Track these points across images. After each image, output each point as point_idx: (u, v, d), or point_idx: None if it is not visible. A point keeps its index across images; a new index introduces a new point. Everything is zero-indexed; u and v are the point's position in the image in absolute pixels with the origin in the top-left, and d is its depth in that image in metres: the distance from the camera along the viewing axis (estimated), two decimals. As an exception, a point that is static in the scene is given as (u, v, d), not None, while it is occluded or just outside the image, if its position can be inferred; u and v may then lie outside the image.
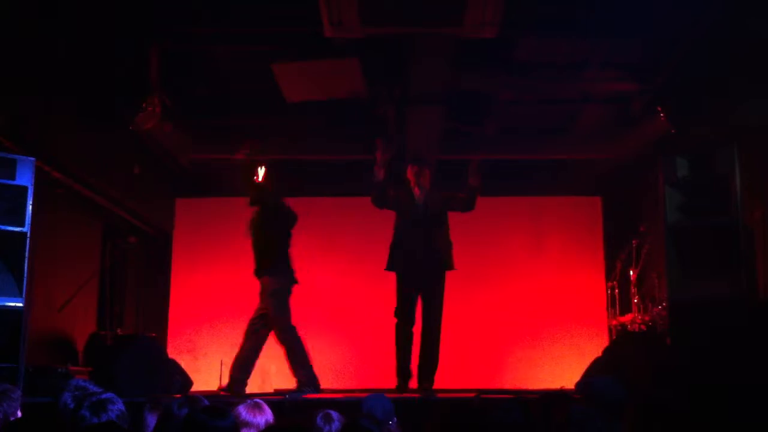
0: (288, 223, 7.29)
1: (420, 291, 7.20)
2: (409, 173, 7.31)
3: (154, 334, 8.90)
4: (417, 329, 7.32)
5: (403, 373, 7.20)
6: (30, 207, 6.03)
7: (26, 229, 6.02)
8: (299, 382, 7.00)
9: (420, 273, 7.13)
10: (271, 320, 7.10)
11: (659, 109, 8.07)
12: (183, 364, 8.07)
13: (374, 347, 9.32)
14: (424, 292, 7.20)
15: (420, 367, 7.23)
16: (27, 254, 6.01)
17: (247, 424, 3.56)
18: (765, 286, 6.63)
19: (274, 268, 7.17)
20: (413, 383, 7.23)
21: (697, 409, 5.21)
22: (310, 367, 7.02)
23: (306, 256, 9.57)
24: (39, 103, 6.92)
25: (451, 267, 7.26)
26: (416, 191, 7.23)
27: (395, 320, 7.25)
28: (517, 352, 9.81)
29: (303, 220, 9.75)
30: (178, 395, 5.30)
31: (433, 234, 7.19)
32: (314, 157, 9.64)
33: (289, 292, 7.14)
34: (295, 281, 7.16)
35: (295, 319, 9.64)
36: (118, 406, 3.33)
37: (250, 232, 7.34)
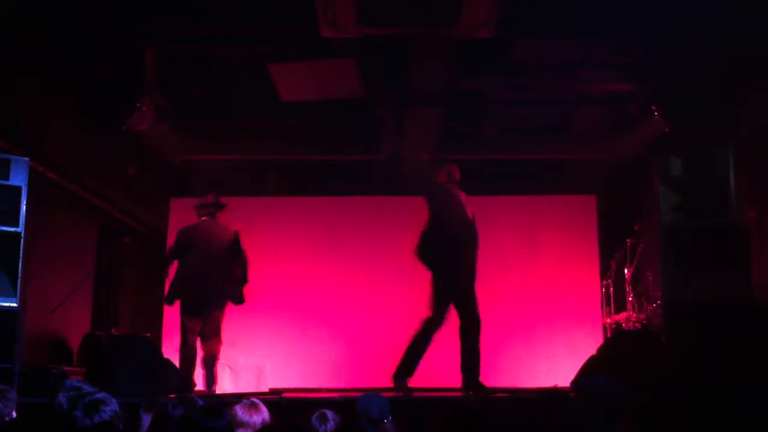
0: None
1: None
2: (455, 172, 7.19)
3: (149, 334, 8.87)
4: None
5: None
6: (24, 207, 6.01)
7: (20, 229, 6.00)
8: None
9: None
10: (217, 330, 7.47)
11: (654, 109, 8.09)
12: (178, 365, 8.05)
13: (371, 345, 9.33)
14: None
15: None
16: (21, 254, 6.00)
17: (244, 424, 3.55)
18: (760, 286, 6.64)
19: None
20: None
21: (692, 408, 5.21)
22: None
23: (302, 255, 9.61)
24: (34, 103, 6.91)
25: None
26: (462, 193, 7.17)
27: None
28: (512, 350, 9.80)
29: (299, 220, 9.80)
30: (174, 395, 5.29)
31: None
32: (310, 157, 9.64)
33: None
34: None
35: (293, 319, 9.70)
36: (111, 407, 3.32)
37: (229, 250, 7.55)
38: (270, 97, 8.07)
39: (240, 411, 3.61)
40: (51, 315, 7.91)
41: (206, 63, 7.87)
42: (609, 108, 8.77)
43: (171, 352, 9.32)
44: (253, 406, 3.66)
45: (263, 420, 3.60)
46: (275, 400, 6.62)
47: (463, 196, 7.15)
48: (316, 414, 3.76)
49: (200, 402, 3.62)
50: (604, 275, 9.68)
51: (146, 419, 3.97)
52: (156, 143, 8.60)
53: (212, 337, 7.36)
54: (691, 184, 6.46)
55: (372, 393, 4.36)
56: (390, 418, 4.09)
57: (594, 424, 3.18)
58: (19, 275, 5.98)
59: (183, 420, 3.13)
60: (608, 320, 9.29)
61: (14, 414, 4.32)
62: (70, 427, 3.25)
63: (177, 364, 7.77)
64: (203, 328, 7.33)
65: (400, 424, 4.23)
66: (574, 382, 6.67)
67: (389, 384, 7.56)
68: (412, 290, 9.26)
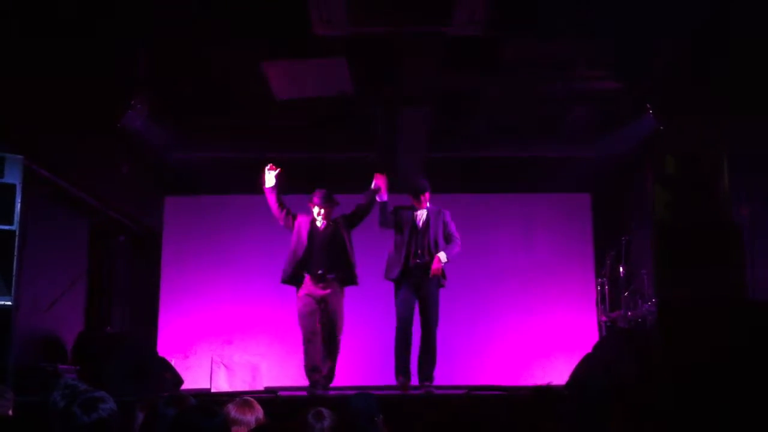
0: None
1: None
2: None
3: (143, 333, 8.87)
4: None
5: (402, 371, 7.26)
6: (19, 205, 6.02)
7: (15, 227, 6.01)
8: None
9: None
10: None
11: (648, 107, 8.11)
12: (173, 363, 8.05)
13: (365, 344, 9.33)
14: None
15: (421, 368, 7.30)
16: (16, 252, 6.00)
17: (238, 422, 3.55)
18: (752, 284, 6.67)
19: None
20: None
21: (684, 407, 5.23)
22: None
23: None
24: (27, 100, 6.89)
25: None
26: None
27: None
28: (506, 347, 9.83)
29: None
30: (168, 393, 5.29)
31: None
32: (305, 155, 9.63)
33: None
34: None
35: (288, 317, 9.70)
36: (110, 405, 3.32)
37: None
38: (264, 95, 8.07)
39: (233, 409, 3.61)
40: (45, 313, 7.90)
41: (200, 61, 7.85)
42: (602, 106, 8.78)
43: (166, 350, 9.34)
44: (247, 404, 3.66)
45: (257, 418, 3.60)
46: (270, 398, 6.64)
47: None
48: (312, 412, 3.75)
49: (193, 400, 3.61)
50: (598, 273, 9.70)
51: (142, 417, 3.97)
52: (149, 141, 8.59)
53: None
54: (684, 182, 6.49)
55: (362, 392, 4.37)
56: (380, 416, 4.10)
57: (586, 421, 3.18)
58: (14, 273, 5.98)
59: (177, 419, 3.13)
60: (603, 318, 9.31)
61: (10, 412, 4.33)
62: (67, 422, 3.25)
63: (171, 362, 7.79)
64: None
65: (391, 423, 4.23)
66: (569, 381, 6.69)
67: (382, 382, 7.58)
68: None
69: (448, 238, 7.36)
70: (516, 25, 7.03)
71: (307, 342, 7.19)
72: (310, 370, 7.16)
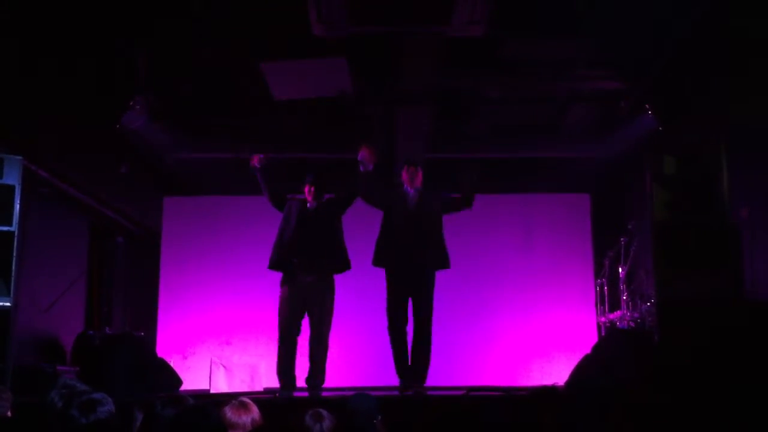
0: None
1: (410, 289, 6.94)
2: (404, 174, 7.06)
3: (142, 334, 8.86)
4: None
5: (401, 372, 6.93)
6: (18, 206, 6.02)
7: (14, 228, 6.01)
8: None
9: (409, 271, 6.91)
10: None
11: (647, 107, 8.11)
12: (172, 364, 8.04)
13: (364, 345, 9.32)
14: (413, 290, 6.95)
15: (411, 366, 6.93)
16: (15, 253, 6.00)
17: (234, 425, 3.55)
18: (751, 284, 6.66)
19: None
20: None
21: (684, 406, 5.23)
22: None
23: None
24: (26, 101, 6.89)
25: (442, 266, 7.02)
26: (410, 191, 7.01)
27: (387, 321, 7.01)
28: (505, 348, 9.83)
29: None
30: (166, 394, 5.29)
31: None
32: (303, 155, 9.63)
33: None
34: None
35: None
36: (107, 407, 3.33)
37: None
38: (263, 95, 8.06)
39: (229, 412, 3.60)
40: (44, 314, 7.89)
41: (199, 61, 7.85)
42: (601, 106, 8.78)
43: (165, 351, 9.33)
44: (243, 406, 3.65)
45: (253, 419, 3.60)
46: (269, 399, 6.63)
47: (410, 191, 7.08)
48: (310, 412, 3.75)
49: (191, 401, 3.61)
50: (598, 274, 9.69)
51: (140, 418, 3.97)
52: (149, 142, 8.59)
53: None
54: (683, 183, 6.49)
55: (361, 393, 4.36)
56: (379, 417, 4.09)
57: (585, 422, 3.18)
58: (13, 274, 5.98)
59: (174, 420, 3.14)
60: (602, 319, 9.30)
61: (9, 413, 4.33)
62: (65, 425, 3.25)
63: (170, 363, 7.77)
64: None
65: (390, 424, 4.23)
66: (568, 381, 6.69)
67: (381, 383, 7.56)
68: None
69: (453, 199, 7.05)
70: (516, 25, 7.02)
71: (282, 339, 6.78)
72: (281, 372, 6.74)
